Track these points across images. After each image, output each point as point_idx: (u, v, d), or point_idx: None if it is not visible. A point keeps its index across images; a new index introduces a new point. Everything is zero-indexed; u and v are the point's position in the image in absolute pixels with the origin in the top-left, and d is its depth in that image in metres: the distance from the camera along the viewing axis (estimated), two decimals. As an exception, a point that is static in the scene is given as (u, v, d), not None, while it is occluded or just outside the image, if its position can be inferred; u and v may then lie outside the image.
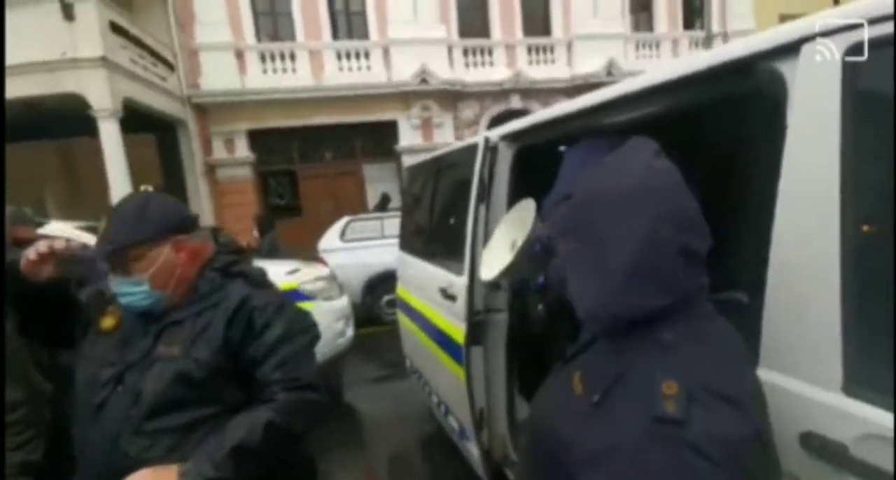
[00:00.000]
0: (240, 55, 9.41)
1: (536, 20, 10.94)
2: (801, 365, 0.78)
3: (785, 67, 0.86)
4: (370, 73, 10.03)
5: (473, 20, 10.66)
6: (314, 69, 9.84)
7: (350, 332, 3.79)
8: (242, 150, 9.55)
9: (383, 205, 9.21)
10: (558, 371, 0.81)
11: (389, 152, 10.39)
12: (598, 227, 0.67)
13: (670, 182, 0.67)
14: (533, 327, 0.99)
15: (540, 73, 10.64)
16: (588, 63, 10.56)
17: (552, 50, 10.91)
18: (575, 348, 0.80)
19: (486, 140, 1.85)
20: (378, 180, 10.41)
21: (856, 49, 0.74)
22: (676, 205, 0.65)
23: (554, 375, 0.82)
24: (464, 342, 1.82)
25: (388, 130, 10.28)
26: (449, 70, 10.15)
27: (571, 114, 1.61)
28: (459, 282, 1.89)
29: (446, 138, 10.29)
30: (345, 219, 6.04)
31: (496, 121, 10.70)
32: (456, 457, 2.55)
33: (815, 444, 0.73)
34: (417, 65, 9.79)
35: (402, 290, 2.80)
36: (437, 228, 2.38)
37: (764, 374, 0.79)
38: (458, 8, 10.52)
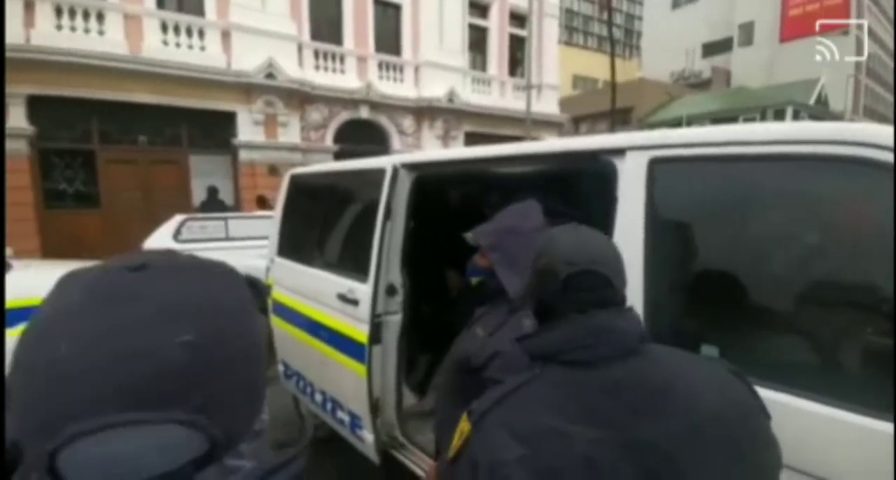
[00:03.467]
0: (29, 4, 7.46)
1: (388, 39, 11.50)
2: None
3: (616, 161, 1.44)
4: (204, 55, 9.04)
5: (326, 25, 10.61)
6: (130, 37, 8.39)
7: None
8: (18, 119, 7.48)
9: (212, 199, 8.35)
10: (466, 329, 1.33)
11: (224, 144, 9.48)
12: (516, 246, 1.24)
13: (546, 228, 1.24)
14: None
15: (389, 88, 11.18)
16: (433, 88, 11.57)
17: (402, 69, 11.60)
18: (477, 315, 1.36)
19: (394, 166, 2.16)
20: (207, 174, 9.38)
21: (655, 159, 1.34)
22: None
23: (465, 331, 1.31)
24: (367, 341, 2.08)
25: (223, 121, 9.39)
26: (298, 69, 9.87)
27: (464, 159, 2.07)
28: (363, 289, 2.14)
29: (292, 138, 9.94)
30: (179, 217, 5.40)
31: (345, 128, 10.81)
32: (332, 453, 2.74)
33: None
34: (263, 57, 9.27)
35: (280, 296, 2.84)
36: (335, 239, 2.55)
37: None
38: (311, 9, 10.35)
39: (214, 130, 9.38)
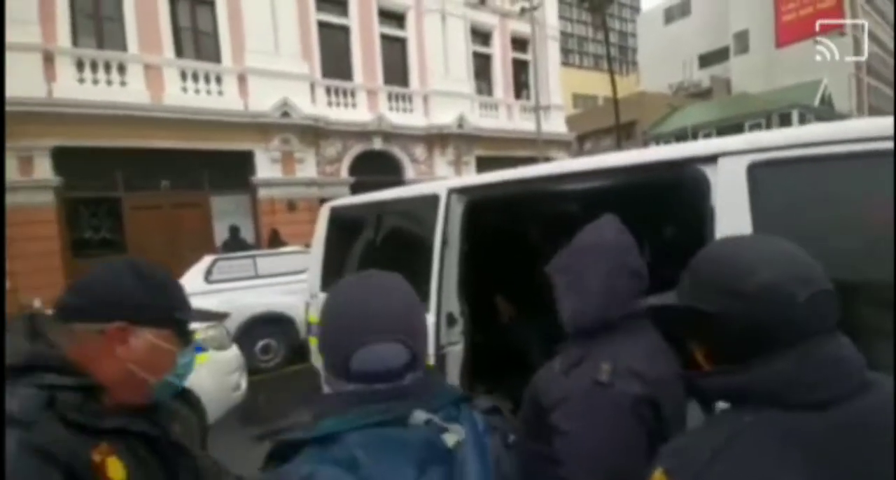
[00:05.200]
0: (48, 58, 7.75)
1: (396, 71, 11.78)
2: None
3: (707, 170, 1.37)
4: (222, 99, 9.31)
5: (336, 62, 10.92)
6: (151, 86, 8.68)
7: (244, 384, 3.43)
8: (44, 172, 7.69)
9: (234, 238, 8.40)
10: (548, 361, 1.16)
11: (243, 184, 9.62)
12: (581, 266, 1.07)
13: (627, 245, 1.09)
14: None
15: (400, 119, 11.37)
16: (442, 115, 11.74)
17: (411, 99, 11.82)
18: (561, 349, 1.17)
19: (448, 190, 2.11)
20: (227, 214, 9.49)
21: (755, 164, 1.26)
22: (627, 257, 1.07)
23: (547, 363, 1.15)
24: (435, 374, 1.97)
25: (242, 161, 9.56)
26: (312, 106, 10.10)
27: (521, 179, 2.00)
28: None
29: (309, 173, 10.08)
30: (209, 258, 5.40)
31: (359, 160, 10.95)
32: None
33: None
34: (278, 97, 9.51)
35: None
36: (385, 269, 2.48)
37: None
38: (321, 48, 10.68)
39: (233, 171, 9.55)
